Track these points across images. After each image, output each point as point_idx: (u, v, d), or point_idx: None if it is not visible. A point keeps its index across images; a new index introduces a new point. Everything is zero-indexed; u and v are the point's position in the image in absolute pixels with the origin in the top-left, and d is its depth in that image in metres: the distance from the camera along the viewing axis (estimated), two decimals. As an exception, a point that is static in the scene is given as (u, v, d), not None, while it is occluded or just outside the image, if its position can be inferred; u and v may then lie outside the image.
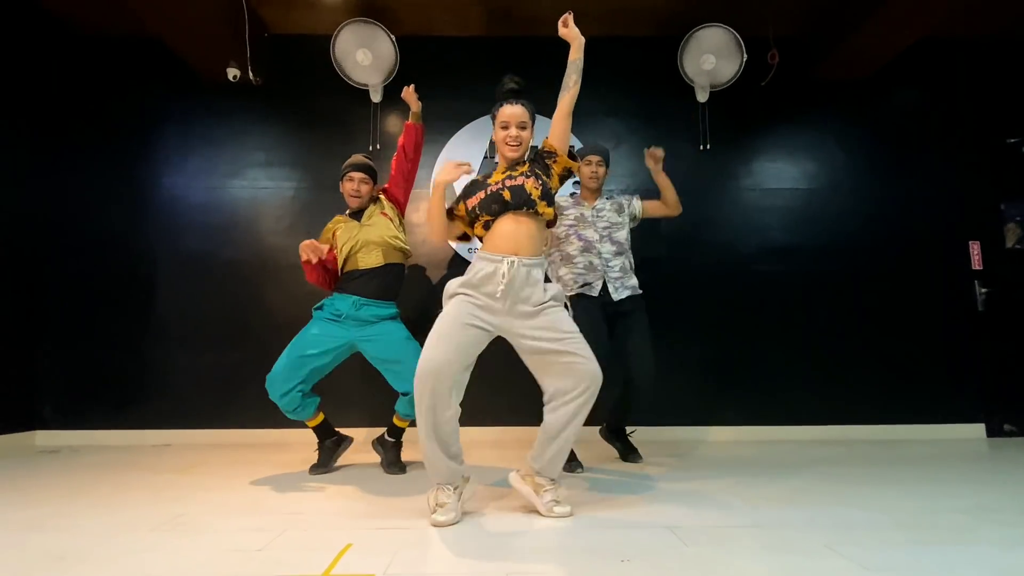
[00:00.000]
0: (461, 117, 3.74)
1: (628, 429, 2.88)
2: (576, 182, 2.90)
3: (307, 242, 2.50)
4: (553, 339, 1.83)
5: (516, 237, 1.88)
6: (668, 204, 2.87)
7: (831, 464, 2.70)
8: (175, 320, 3.58)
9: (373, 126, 3.72)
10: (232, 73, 3.48)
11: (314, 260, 2.51)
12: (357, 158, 2.74)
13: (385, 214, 2.68)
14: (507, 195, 1.88)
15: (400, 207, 2.78)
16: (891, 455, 2.95)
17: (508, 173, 1.95)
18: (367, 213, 2.68)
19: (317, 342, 2.53)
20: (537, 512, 1.86)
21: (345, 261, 2.63)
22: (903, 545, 1.53)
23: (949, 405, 3.57)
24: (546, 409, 1.86)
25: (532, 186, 1.89)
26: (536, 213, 1.90)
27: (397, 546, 1.54)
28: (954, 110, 3.83)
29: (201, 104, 3.74)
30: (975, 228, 3.72)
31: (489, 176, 1.99)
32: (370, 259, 2.61)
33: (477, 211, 1.94)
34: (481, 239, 1.98)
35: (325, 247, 2.56)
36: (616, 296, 2.68)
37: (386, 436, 2.66)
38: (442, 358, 1.75)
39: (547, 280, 2.01)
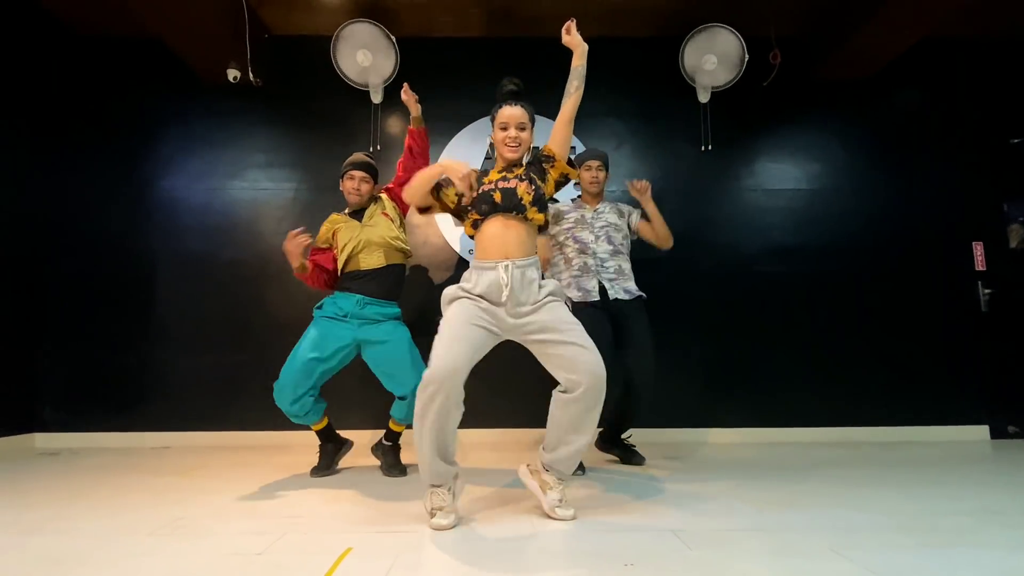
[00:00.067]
0: (461, 118, 3.74)
1: (624, 434, 2.87)
2: (576, 184, 2.89)
3: (290, 245, 2.49)
4: (553, 329, 1.81)
5: (504, 240, 1.87)
6: (658, 236, 2.82)
7: (834, 466, 2.69)
8: (175, 321, 3.57)
9: (373, 127, 3.71)
10: (232, 74, 3.48)
11: (295, 265, 2.51)
12: (358, 156, 2.72)
13: (386, 214, 2.66)
14: (498, 197, 1.87)
15: (404, 209, 2.76)
16: (894, 457, 2.94)
17: (503, 174, 1.94)
18: (368, 213, 2.66)
19: (324, 344, 2.51)
20: (539, 514, 1.85)
21: (346, 261, 2.61)
22: (908, 548, 1.52)
23: (952, 407, 3.55)
24: (557, 398, 1.82)
25: (524, 190, 1.88)
26: (525, 218, 1.88)
27: (398, 550, 1.53)
28: (956, 110, 3.82)
29: (201, 105, 3.73)
30: (978, 229, 3.71)
31: (486, 173, 1.99)
32: (371, 260, 2.59)
33: (467, 208, 1.93)
34: (472, 237, 1.97)
35: (306, 240, 2.51)
36: (613, 295, 2.67)
37: (383, 440, 2.66)
38: (460, 360, 1.71)
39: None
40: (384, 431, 2.66)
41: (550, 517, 1.82)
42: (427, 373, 1.70)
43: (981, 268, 3.67)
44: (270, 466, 2.76)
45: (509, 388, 3.36)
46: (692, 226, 3.64)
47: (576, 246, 2.74)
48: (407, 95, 2.60)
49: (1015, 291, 3.64)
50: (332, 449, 2.64)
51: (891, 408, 3.54)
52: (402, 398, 2.52)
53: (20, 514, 1.93)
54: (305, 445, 3.02)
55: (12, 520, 1.85)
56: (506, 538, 1.66)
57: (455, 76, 3.76)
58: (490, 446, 3.31)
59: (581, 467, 2.58)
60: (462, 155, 3.65)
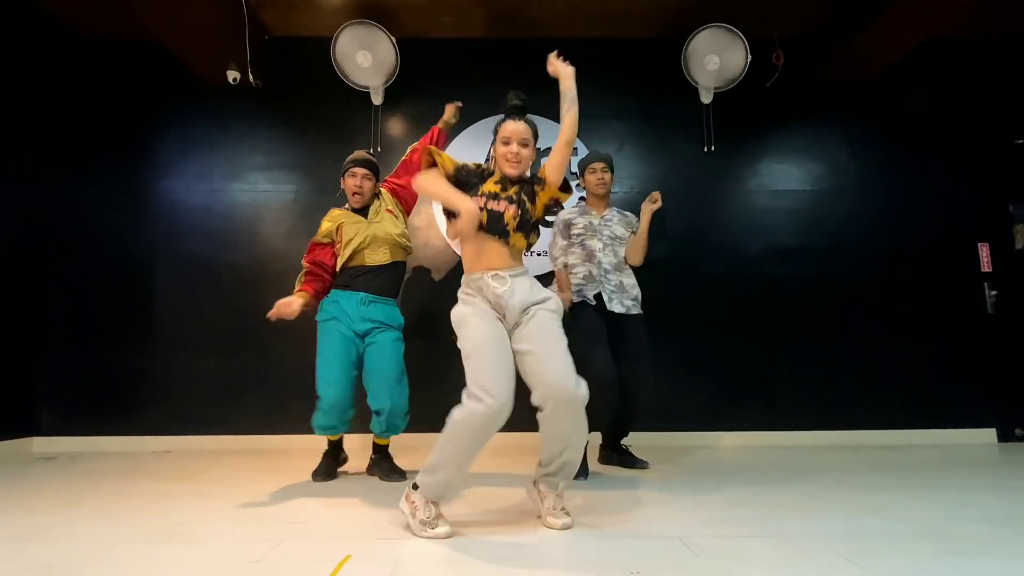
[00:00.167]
0: (463, 119, 3.69)
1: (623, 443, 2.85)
2: (579, 184, 2.87)
3: (282, 302, 2.47)
4: (530, 341, 1.76)
5: (489, 256, 1.85)
6: (634, 249, 2.77)
7: (841, 470, 2.66)
8: (175, 324, 3.55)
9: (374, 129, 3.70)
10: (232, 76, 3.47)
11: (295, 311, 2.48)
12: (360, 154, 2.70)
13: (390, 211, 2.65)
14: (483, 218, 1.83)
15: (409, 207, 2.75)
16: (902, 460, 2.91)
17: (496, 190, 1.88)
18: (372, 209, 2.64)
19: (347, 351, 2.49)
20: (540, 522, 1.82)
21: (350, 256, 2.56)
22: (924, 556, 1.48)
23: (959, 410, 3.52)
24: (538, 415, 1.79)
25: (511, 215, 1.84)
26: (507, 242, 1.85)
27: (397, 557, 1.51)
28: (961, 111, 3.80)
29: (201, 107, 3.72)
30: (984, 230, 3.68)
31: (485, 177, 1.95)
32: (378, 256, 2.58)
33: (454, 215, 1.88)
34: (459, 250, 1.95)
35: (299, 302, 2.49)
36: (610, 307, 2.65)
37: (373, 456, 2.63)
38: (512, 385, 1.69)
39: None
40: (372, 447, 2.64)
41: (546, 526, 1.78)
42: (480, 409, 1.63)
43: (987, 269, 3.64)
44: (270, 470, 2.73)
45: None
46: (695, 227, 3.61)
47: (583, 252, 2.72)
48: (453, 107, 2.85)
49: (1021, 292, 3.61)
50: (335, 456, 2.63)
51: (898, 411, 3.50)
52: (377, 413, 2.47)
53: (17, 520, 1.90)
54: (305, 450, 2.99)
55: (9, 526, 1.83)
56: (508, 544, 1.63)
57: (456, 78, 3.74)
58: (490, 451, 3.23)
59: (584, 472, 2.55)
60: (463, 157, 3.61)
